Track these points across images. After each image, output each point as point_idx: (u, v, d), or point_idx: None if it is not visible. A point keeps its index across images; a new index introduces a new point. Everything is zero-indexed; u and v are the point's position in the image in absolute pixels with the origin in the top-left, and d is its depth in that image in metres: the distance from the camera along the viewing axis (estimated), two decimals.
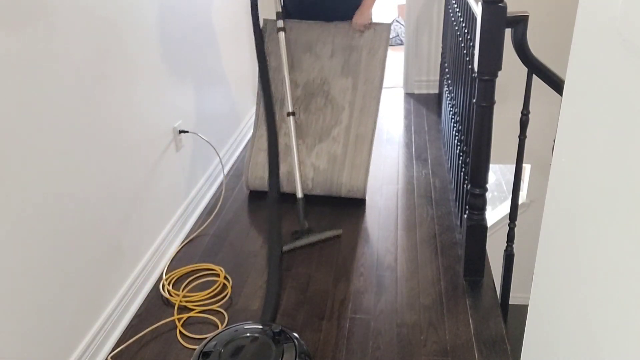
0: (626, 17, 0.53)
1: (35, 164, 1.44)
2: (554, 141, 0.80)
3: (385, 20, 2.81)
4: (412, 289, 1.96)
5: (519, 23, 1.65)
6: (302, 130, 2.61)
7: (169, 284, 2.04)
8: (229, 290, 2.00)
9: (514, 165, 1.94)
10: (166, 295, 1.99)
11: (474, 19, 1.86)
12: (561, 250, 0.75)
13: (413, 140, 3.17)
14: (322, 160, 2.56)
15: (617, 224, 0.56)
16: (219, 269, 2.11)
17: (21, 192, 1.39)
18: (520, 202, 3.71)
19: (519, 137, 1.86)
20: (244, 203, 2.62)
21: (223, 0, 2.91)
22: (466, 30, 2.14)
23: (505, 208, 4.53)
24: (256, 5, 2.48)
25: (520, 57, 1.73)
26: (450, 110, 2.73)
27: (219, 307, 1.93)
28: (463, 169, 2.19)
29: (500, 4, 1.59)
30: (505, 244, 2.06)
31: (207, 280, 2.07)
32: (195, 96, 2.52)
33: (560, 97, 1.01)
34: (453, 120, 2.59)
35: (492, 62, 1.66)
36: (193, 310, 1.91)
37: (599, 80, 0.61)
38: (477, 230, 1.91)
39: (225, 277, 2.07)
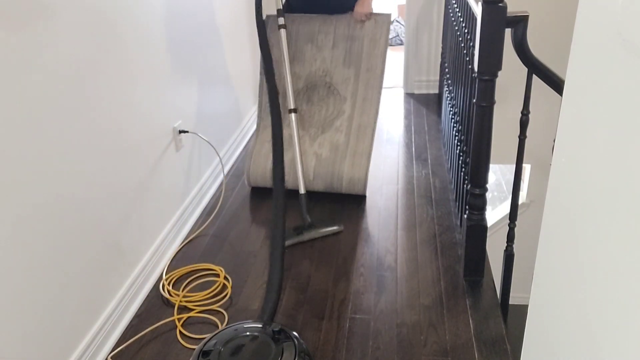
0: (626, 17, 0.53)
1: (35, 164, 1.44)
2: (554, 141, 0.80)
3: (386, 5, 2.83)
4: (412, 289, 1.96)
5: (519, 23, 1.65)
6: (306, 121, 2.64)
7: (169, 284, 2.04)
8: (229, 290, 2.00)
9: (514, 165, 1.94)
10: (166, 295, 1.99)
11: (474, 19, 1.86)
12: (561, 250, 0.75)
13: (413, 140, 3.17)
14: (325, 149, 2.59)
15: (617, 224, 0.56)
16: (219, 269, 2.11)
17: (21, 193, 1.39)
18: (520, 202, 3.71)
19: (519, 137, 1.86)
20: (244, 203, 2.62)
21: (223, 0, 2.91)
22: (466, 30, 2.14)
23: (505, 208, 4.53)
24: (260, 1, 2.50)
25: (520, 57, 1.73)
26: (450, 110, 2.73)
27: (219, 307, 1.93)
28: (463, 169, 2.19)
29: (500, 4, 1.59)
30: (505, 244, 2.06)
31: (207, 280, 2.07)
32: (195, 96, 2.52)
33: (560, 97, 1.01)
34: (453, 120, 2.59)
35: (492, 62, 1.66)
36: (193, 310, 1.91)
37: (599, 80, 0.61)
38: (477, 230, 1.91)
39: (225, 277, 2.07)
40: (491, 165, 1.90)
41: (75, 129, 1.60)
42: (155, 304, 1.97)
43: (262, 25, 2.51)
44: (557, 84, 1.74)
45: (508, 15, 1.61)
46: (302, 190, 2.39)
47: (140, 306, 1.97)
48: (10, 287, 1.36)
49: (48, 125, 1.48)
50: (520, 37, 1.68)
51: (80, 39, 1.62)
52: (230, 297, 1.98)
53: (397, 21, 5.94)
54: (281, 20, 2.50)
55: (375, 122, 2.59)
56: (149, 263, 2.06)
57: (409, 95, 3.88)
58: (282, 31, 2.49)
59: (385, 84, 2.68)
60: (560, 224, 0.76)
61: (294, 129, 2.45)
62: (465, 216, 1.94)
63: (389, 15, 2.66)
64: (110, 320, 1.79)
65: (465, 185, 2.06)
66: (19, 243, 1.38)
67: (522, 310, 1.18)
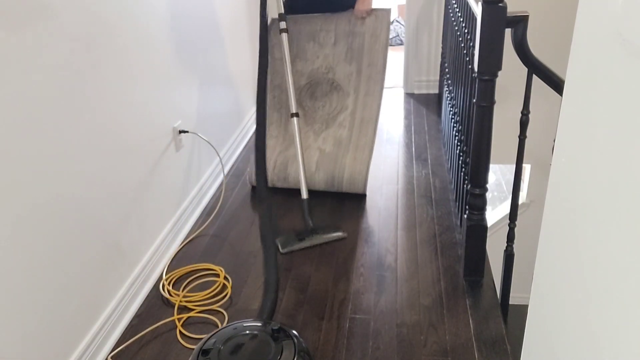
0: (626, 17, 0.53)
1: (35, 164, 1.44)
2: (554, 141, 0.80)
3: (386, 5, 2.87)
4: (412, 289, 1.96)
5: (519, 23, 1.65)
6: (310, 116, 2.68)
7: (169, 284, 2.04)
8: (229, 290, 2.00)
9: (514, 165, 1.94)
10: (166, 295, 1.99)
11: (474, 19, 1.86)
12: (561, 250, 0.75)
13: (413, 140, 3.17)
14: (329, 144, 2.62)
15: (617, 224, 0.56)
16: (219, 269, 2.11)
17: (21, 193, 1.39)
18: (520, 202, 3.72)
19: (519, 137, 1.86)
20: (244, 203, 2.62)
21: (223, 0, 2.91)
22: (466, 30, 2.14)
23: (505, 208, 4.53)
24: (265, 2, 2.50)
25: (520, 57, 1.73)
26: (450, 110, 2.73)
27: (219, 307, 1.93)
28: (463, 169, 2.19)
29: (500, 4, 1.59)
30: (505, 244, 2.06)
31: (207, 280, 2.07)
32: (195, 96, 2.52)
33: (560, 97, 1.01)
34: (453, 120, 2.59)
35: (492, 62, 1.66)
36: (193, 310, 1.92)
37: (599, 80, 0.61)
38: (477, 230, 1.91)
39: (225, 277, 2.07)
40: (491, 165, 1.90)
41: (75, 129, 1.60)
42: (155, 304, 1.97)
43: (264, 26, 2.50)
44: (557, 84, 1.74)
45: (508, 15, 1.61)
46: (304, 196, 2.36)
47: (140, 306, 1.97)
48: (10, 287, 1.36)
49: (48, 125, 1.48)
50: (520, 37, 1.68)
51: (80, 39, 1.62)
52: (230, 297, 1.98)
53: (397, 21, 5.94)
54: (283, 25, 2.50)
55: (377, 116, 2.62)
56: (149, 263, 2.06)
57: (409, 95, 3.88)
58: (284, 35, 2.49)
59: (385, 83, 2.69)
60: (560, 224, 0.76)
61: (296, 134, 2.44)
62: (465, 216, 1.94)
63: (388, 10, 2.70)
64: (110, 320, 1.79)
65: (465, 185, 2.06)
66: (19, 243, 1.38)
67: (522, 310, 1.18)
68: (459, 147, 2.33)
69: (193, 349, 1.74)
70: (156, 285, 2.06)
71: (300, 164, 2.40)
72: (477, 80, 1.73)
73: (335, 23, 2.71)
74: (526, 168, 4.20)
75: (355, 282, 2.02)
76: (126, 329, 1.86)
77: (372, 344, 1.73)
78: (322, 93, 2.69)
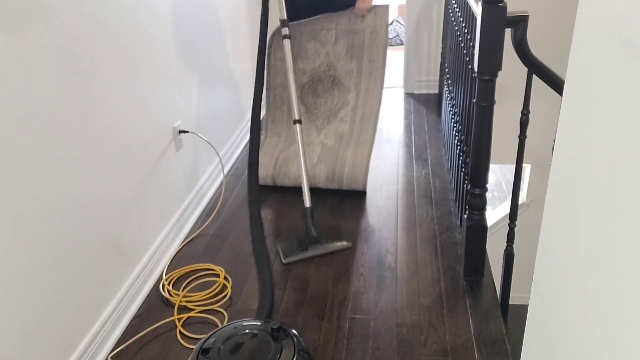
0: (626, 17, 0.53)
1: (35, 164, 1.44)
2: (554, 141, 0.80)
3: (384, 1, 2.91)
4: (412, 289, 1.96)
5: (519, 23, 1.65)
6: (312, 112, 2.74)
7: (169, 284, 2.04)
8: (228, 290, 2.00)
9: (514, 165, 1.94)
10: (166, 295, 1.99)
11: (474, 19, 1.86)
12: (561, 250, 0.75)
13: (413, 140, 3.17)
14: (330, 139, 2.67)
15: (617, 224, 0.56)
16: (218, 269, 2.11)
17: (21, 192, 1.39)
18: (520, 202, 3.72)
19: (519, 137, 1.86)
20: (244, 203, 2.62)
21: (223, 0, 2.91)
22: (466, 30, 2.14)
23: (505, 208, 4.53)
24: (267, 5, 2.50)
25: (520, 57, 1.73)
26: (450, 110, 2.73)
27: (219, 307, 1.93)
28: (463, 169, 2.19)
29: (500, 4, 1.59)
30: (505, 244, 2.06)
31: (207, 280, 2.07)
32: (196, 96, 2.53)
33: (560, 97, 1.01)
34: (453, 120, 2.59)
35: (492, 62, 1.66)
36: (193, 310, 1.91)
37: (599, 80, 0.61)
38: (477, 230, 1.91)
39: (225, 277, 2.07)
40: (491, 165, 1.90)
41: (75, 129, 1.60)
42: (155, 304, 1.97)
43: (262, 46, 2.49)
44: (557, 84, 1.74)
45: (508, 15, 1.61)
46: (307, 204, 2.28)
47: (140, 306, 1.97)
48: (10, 287, 1.36)
49: (48, 125, 1.48)
50: (520, 37, 1.68)
51: (80, 39, 1.62)
52: (230, 297, 1.98)
53: (397, 21, 5.94)
54: (285, 31, 2.48)
55: (378, 111, 2.65)
56: (149, 263, 2.06)
57: (409, 95, 3.88)
58: (286, 41, 2.46)
59: (385, 83, 2.71)
60: (560, 224, 0.76)
61: (298, 140, 2.38)
62: (465, 216, 1.94)
63: (387, 7, 2.73)
64: (110, 320, 1.79)
65: (465, 185, 2.06)
66: (19, 243, 1.38)
67: (522, 310, 1.18)
68: (459, 147, 2.33)
69: (193, 349, 1.74)
70: (156, 285, 2.06)
71: (303, 171, 2.33)
72: (477, 80, 1.73)
73: (336, 22, 2.75)
74: (526, 168, 4.20)
75: (355, 282, 2.02)
76: (126, 329, 1.86)
77: (372, 344, 1.73)
78: (324, 89, 2.73)
